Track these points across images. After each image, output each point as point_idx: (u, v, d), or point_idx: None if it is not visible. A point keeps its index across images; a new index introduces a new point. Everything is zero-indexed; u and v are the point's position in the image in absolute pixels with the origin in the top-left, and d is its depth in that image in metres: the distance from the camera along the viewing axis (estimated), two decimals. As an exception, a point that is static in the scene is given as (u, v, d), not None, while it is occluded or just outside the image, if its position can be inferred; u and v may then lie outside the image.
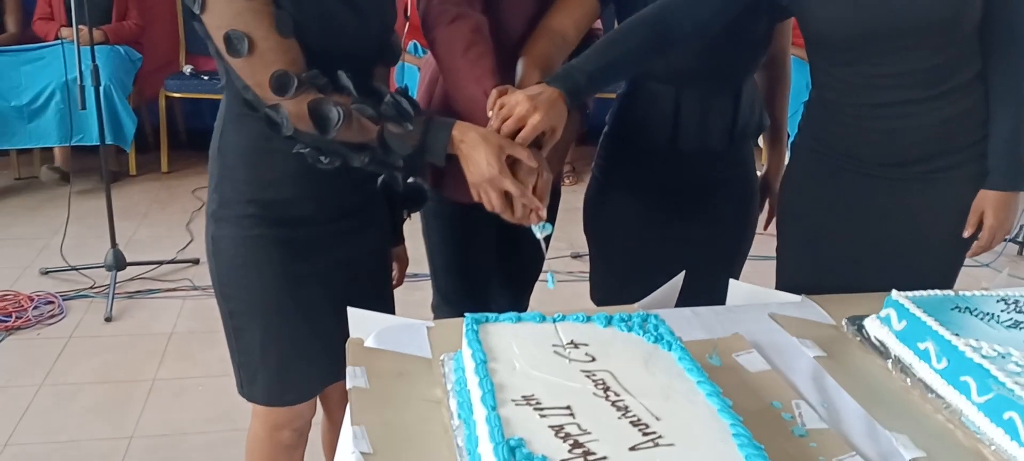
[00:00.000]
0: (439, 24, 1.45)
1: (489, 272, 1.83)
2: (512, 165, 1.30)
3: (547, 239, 1.35)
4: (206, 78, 4.59)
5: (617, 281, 1.81)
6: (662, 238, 1.74)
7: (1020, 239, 3.59)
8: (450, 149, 1.29)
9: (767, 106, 1.80)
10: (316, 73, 1.26)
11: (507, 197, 1.30)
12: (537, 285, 1.98)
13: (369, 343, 1.20)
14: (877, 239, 1.56)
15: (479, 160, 1.27)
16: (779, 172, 1.84)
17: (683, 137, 1.66)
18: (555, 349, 1.06)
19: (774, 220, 1.81)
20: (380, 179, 1.52)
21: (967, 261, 1.59)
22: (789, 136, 1.84)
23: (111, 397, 2.48)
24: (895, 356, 1.20)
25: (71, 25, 3.11)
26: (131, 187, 4.40)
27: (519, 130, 1.30)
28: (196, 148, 4.86)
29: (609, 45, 1.44)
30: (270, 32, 1.24)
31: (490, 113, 1.33)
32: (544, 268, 1.78)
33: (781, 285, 1.62)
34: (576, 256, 3.45)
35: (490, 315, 1.13)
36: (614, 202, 1.79)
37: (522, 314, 1.14)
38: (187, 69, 4.68)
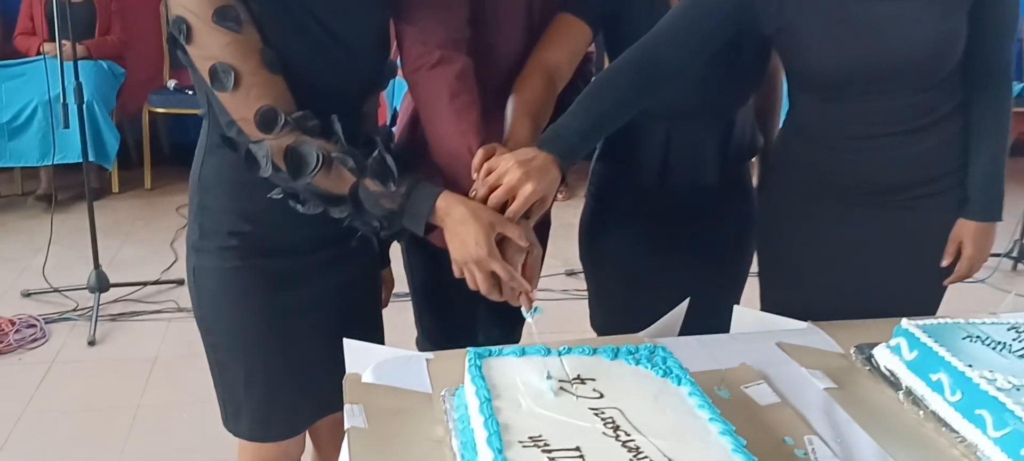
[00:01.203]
0: (421, 67, 1.35)
1: (475, 308, 1.73)
2: (500, 241, 1.20)
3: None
4: (190, 93, 4.52)
5: (618, 308, 1.76)
6: (662, 265, 1.70)
7: (1014, 254, 3.59)
8: (433, 219, 1.21)
9: (759, 124, 1.77)
10: (308, 114, 1.21)
11: (494, 276, 1.20)
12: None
13: (366, 378, 1.16)
14: (858, 266, 1.54)
15: (467, 238, 1.18)
16: None
17: (673, 172, 1.63)
18: (562, 385, 1.02)
19: None
20: None
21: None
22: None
23: (94, 425, 2.41)
24: (907, 387, 1.17)
25: (53, 40, 3.06)
26: (114, 204, 4.34)
27: (508, 200, 1.21)
28: (180, 164, 4.80)
29: (596, 97, 1.36)
30: (258, 67, 1.19)
31: (475, 175, 1.24)
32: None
33: (765, 307, 1.61)
34: (570, 273, 3.42)
35: (493, 349, 1.10)
36: (610, 229, 1.75)
37: (527, 347, 1.10)
38: (171, 84, 4.63)
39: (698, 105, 1.58)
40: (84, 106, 3.01)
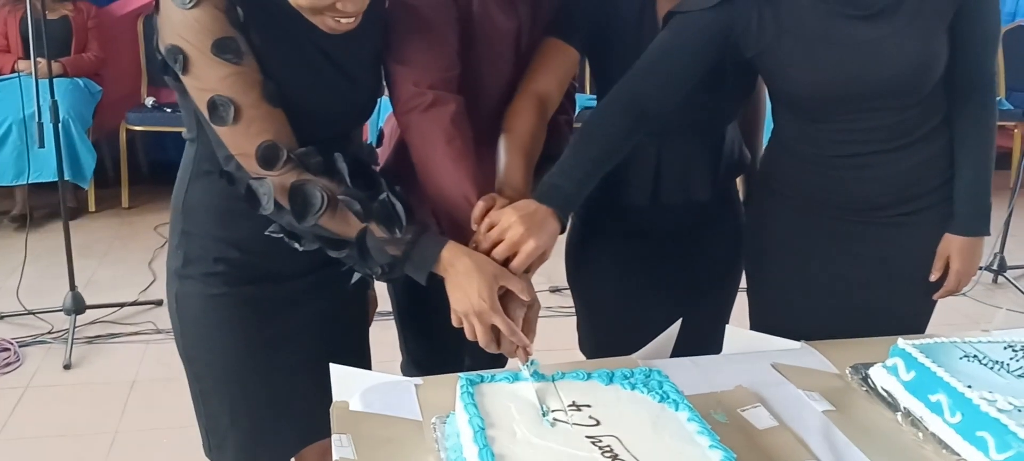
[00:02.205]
0: (414, 109, 1.32)
1: (461, 332, 1.70)
2: (502, 295, 1.19)
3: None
4: (169, 110, 4.47)
5: (607, 332, 1.73)
6: (650, 285, 1.68)
7: (994, 267, 3.61)
8: (436, 269, 1.19)
9: (745, 140, 1.76)
10: (311, 150, 1.18)
11: (494, 329, 1.19)
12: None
13: (355, 406, 1.12)
14: (846, 282, 1.53)
15: (470, 290, 1.16)
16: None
17: (665, 190, 1.61)
18: (556, 412, 0.99)
19: None
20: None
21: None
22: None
23: (71, 452, 2.35)
24: (905, 408, 1.15)
25: (28, 57, 3.00)
26: (91, 224, 4.26)
27: (510, 255, 1.21)
28: (158, 182, 4.73)
29: (588, 142, 1.36)
30: (259, 101, 1.16)
31: (475, 227, 1.24)
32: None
33: (754, 325, 1.59)
34: (555, 290, 3.39)
35: (484, 374, 1.07)
36: (599, 250, 1.71)
37: (519, 373, 1.08)
38: (149, 101, 4.56)
39: (687, 122, 1.56)
40: (60, 124, 2.95)
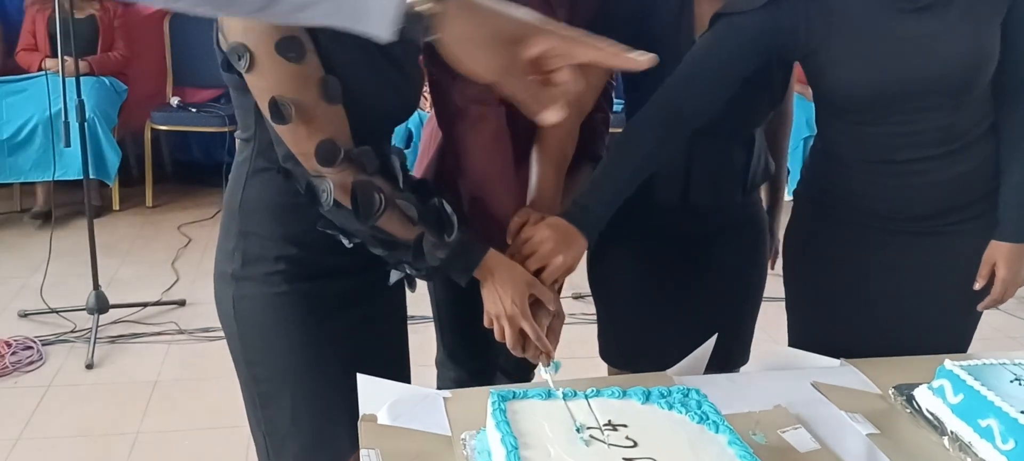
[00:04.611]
0: (462, 119, 1.39)
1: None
2: (532, 303, 1.27)
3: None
4: (194, 110, 4.49)
5: (631, 339, 1.71)
6: (675, 292, 1.65)
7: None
8: (476, 273, 1.26)
9: (770, 147, 1.72)
10: (367, 150, 1.19)
11: (522, 333, 1.27)
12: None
13: (382, 419, 1.10)
14: (889, 294, 1.49)
15: (504, 296, 1.25)
16: (780, 211, 1.83)
17: (694, 191, 1.58)
18: (592, 432, 0.96)
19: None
20: None
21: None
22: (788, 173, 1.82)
23: (92, 452, 2.34)
24: (952, 432, 1.11)
25: (56, 56, 3.00)
26: (115, 222, 4.27)
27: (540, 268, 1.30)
28: (182, 182, 4.75)
29: (623, 157, 1.40)
30: (318, 100, 1.16)
31: (510, 240, 1.33)
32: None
33: (793, 340, 1.57)
34: (578, 297, 3.35)
35: (517, 390, 1.04)
36: (620, 257, 1.68)
37: (552, 390, 1.04)
38: (174, 101, 4.57)
39: (720, 124, 1.51)
40: (85, 123, 2.96)
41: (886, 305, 1.50)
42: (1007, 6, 1.34)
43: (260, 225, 1.28)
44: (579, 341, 3.05)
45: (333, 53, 1.18)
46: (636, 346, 1.70)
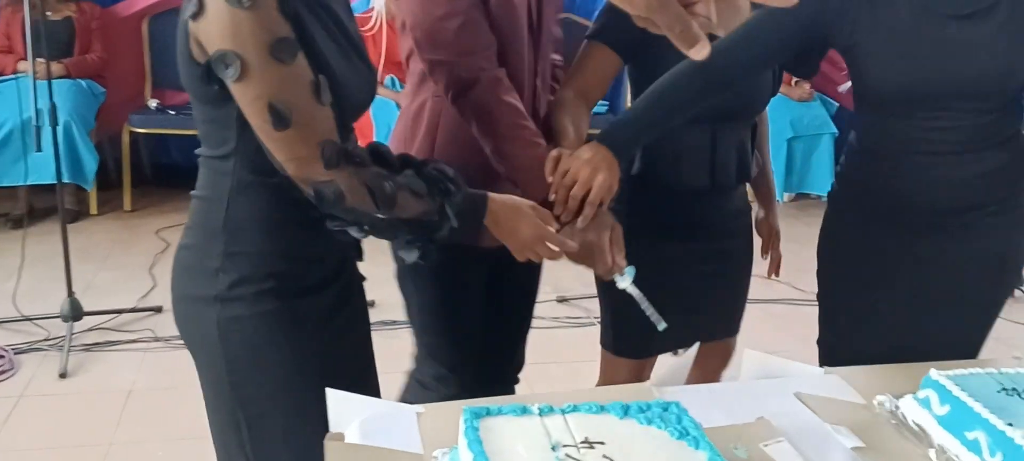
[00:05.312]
0: (475, 85, 1.43)
1: (477, 324, 1.71)
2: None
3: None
4: (173, 113, 4.43)
5: (630, 323, 1.72)
6: (684, 275, 1.69)
7: None
8: (486, 221, 1.31)
9: (759, 142, 1.83)
10: (354, 143, 1.18)
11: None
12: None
13: (351, 437, 1.06)
14: (916, 288, 1.56)
15: (521, 227, 1.32)
16: (774, 210, 1.94)
17: (719, 172, 1.67)
18: (567, 450, 0.92)
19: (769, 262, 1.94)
20: None
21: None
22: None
23: (63, 464, 2.29)
24: (939, 445, 1.08)
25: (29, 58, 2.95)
26: (92, 227, 4.21)
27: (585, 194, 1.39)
28: (161, 185, 4.69)
29: (657, 98, 1.47)
30: (311, 101, 1.12)
31: (549, 177, 1.40)
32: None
33: (826, 338, 1.67)
34: (562, 300, 3.32)
35: (491, 407, 1.00)
36: (643, 247, 1.65)
37: (527, 406, 1.01)
38: (153, 103, 4.52)
39: (739, 106, 1.66)
40: (61, 126, 2.90)
41: (914, 300, 1.56)
42: None
43: (250, 243, 1.22)
44: (564, 345, 3.03)
45: (316, 42, 1.15)
46: (637, 332, 1.70)
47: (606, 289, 1.76)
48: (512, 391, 1.81)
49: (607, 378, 1.79)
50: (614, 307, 1.77)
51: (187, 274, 1.27)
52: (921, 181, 1.50)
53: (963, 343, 1.53)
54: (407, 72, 1.61)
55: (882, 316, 1.57)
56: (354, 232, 1.21)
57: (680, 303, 1.64)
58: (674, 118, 1.49)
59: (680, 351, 1.84)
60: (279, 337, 1.25)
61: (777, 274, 1.92)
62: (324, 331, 1.30)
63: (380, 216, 1.20)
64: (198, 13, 1.08)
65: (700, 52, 0.75)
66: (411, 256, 1.30)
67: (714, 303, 1.78)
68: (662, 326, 1.42)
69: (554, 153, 1.43)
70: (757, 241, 1.90)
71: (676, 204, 1.70)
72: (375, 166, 1.20)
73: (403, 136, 1.60)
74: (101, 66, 4.39)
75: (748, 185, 1.86)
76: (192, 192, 1.26)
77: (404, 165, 1.30)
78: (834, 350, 1.64)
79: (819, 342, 1.69)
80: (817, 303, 1.70)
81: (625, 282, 1.38)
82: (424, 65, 1.47)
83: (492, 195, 1.31)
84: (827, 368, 1.31)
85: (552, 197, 1.40)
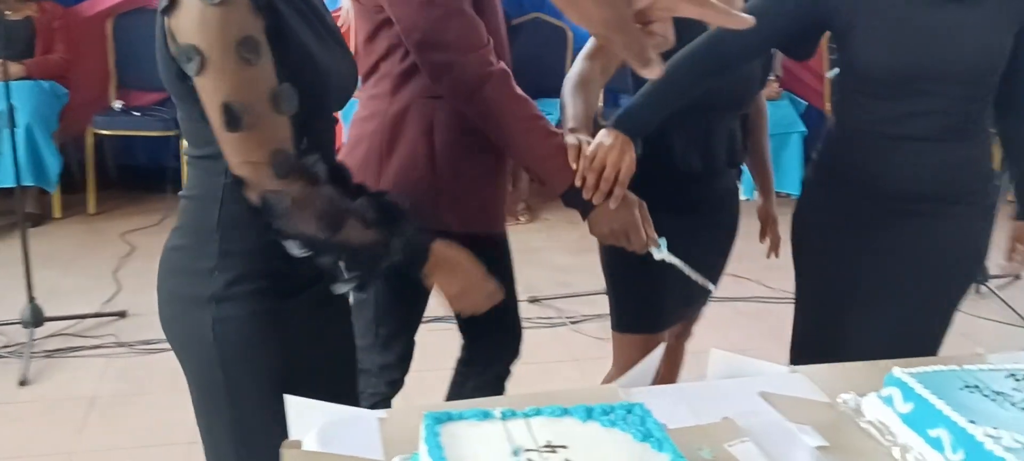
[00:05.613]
0: (487, 82, 1.44)
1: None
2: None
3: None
4: (138, 114, 4.36)
5: (645, 306, 1.87)
6: (681, 249, 1.69)
7: (978, 278, 3.58)
8: (429, 265, 1.28)
9: (755, 135, 1.97)
10: (317, 159, 1.15)
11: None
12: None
13: (309, 444, 1.03)
14: (884, 273, 1.66)
15: (463, 271, 1.31)
16: (772, 197, 2.08)
17: (712, 157, 1.76)
18: (530, 455, 0.91)
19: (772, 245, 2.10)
20: None
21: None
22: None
23: (23, 474, 2.24)
24: (902, 443, 1.08)
25: (-13, 60, 2.88)
26: (55, 230, 4.13)
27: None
28: (127, 188, 4.62)
29: (664, 84, 1.54)
30: (267, 107, 1.11)
31: (575, 164, 1.45)
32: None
33: (801, 325, 1.81)
34: (534, 300, 3.31)
35: (452, 412, 0.98)
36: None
37: (489, 410, 0.99)
38: (117, 104, 4.44)
39: (731, 97, 1.74)
40: (21, 129, 2.84)
41: (885, 282, 1.66)
42: (1023, 21, 1.55)
43: (246, 240, 1.21)
44: (537, 345, 3.02)
45: (297, 32, 1.15)
46: (661, 308, 1.86)
47: (611, 273, 1.88)
48: (517, 354, 1.90)
49: (621, 359, 1.87)
50: (618, 288, 1.87)
51: (178, 275, 1.25)
52: (896, 165, 1.59)
53: (923, 334, 1.67)
54: (375, 73, 1.58)
55: (853, 298, 1.67)
56: (293, 248, 1.17)
57: (677, 273, 1.74)
58: (684, 97, 1.59)
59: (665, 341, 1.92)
60: (273, 336, 1.25)
61: (777, 254, 2.05)
62: (314, 326, 1.30)
63: (321, 237, 1.16)
64: (170, 7, 1.09)
65: (652, 72, 0.75)
66: (341, 288, 1.25)
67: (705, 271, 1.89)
68: (711, 287, 1.55)
69: (573, 141, 1.48)
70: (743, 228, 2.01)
71: (671, 186, 1.76)
72: (330, 185, 1.18)
73: (381, 139, 1.57)
74: (64, 67, 4.31)
75: (751, 175, 2.04)
76: (180, 193, 1.27)
77: (359, 192, 1.27)
78: (807, 338, 1.79)
79: (793, 328, 1.84)
80: (792, 296, 1.79)
81: (662, 252, 1.47)
82: (426, 68, 1.46)
83: (438, 242, 1.29)
84: (792, 367, 1.31)
85: (578, 183, 1.45)
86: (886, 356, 1.60)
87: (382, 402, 1.67)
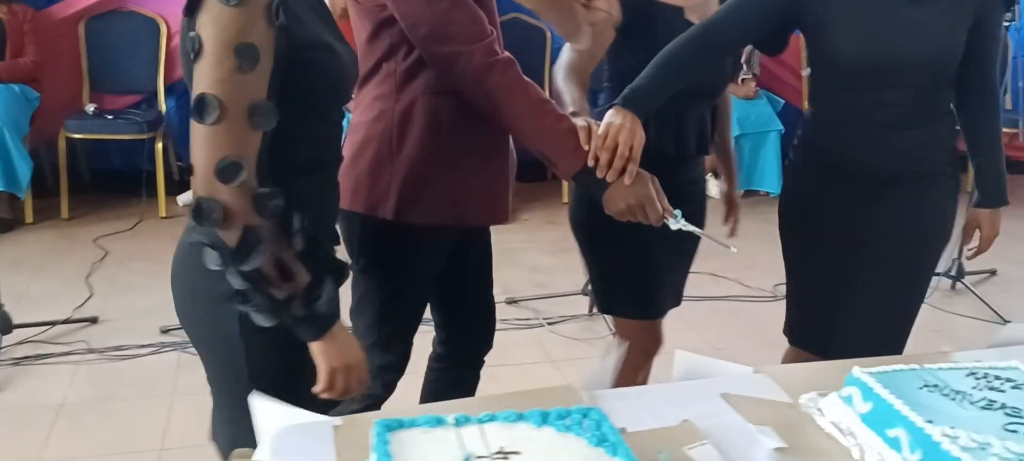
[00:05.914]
0: (494, 70, 1.45)
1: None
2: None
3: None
4: (111, 118, 4.30)
5: (621, 283, 1.95)
6: (670, 239, 1.73)
7: (952, 274, 3.59)
8: (325, 337, 1.24)
9: (720, 124, 2.03)
10: (276, 192, 1.16)
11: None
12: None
13: (262, 453, 1.02)
14: (869, 242, 1.79)
15: (348, 349, 1.27)
16: (735, 184, 2.15)
17: (683, 142, 1.84)
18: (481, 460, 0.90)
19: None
20: None
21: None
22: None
23: (-13, 484, 2.20)
24: (861, 444, 1.07)
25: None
26: (26, 236, 4.07)
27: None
28: (101, 191, 4.56)
29: (663, 64, 1.66)
30: (242, 115, 1.12)
31: (587, 147, 1.48)
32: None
33: (792, 301, 1.97)
34: (511, 302, 3.29)
35: (404, 420, 0.97)
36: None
37: (443, 417, 0.98)
38: (90, 108, 4.37)
39: (700, 88, 1.82)
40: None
41: (863, 257, 1.80)
42: (974, 18, 1.70)
43: None
44: (514, 346, 3.00)
45: (312, 29, 1.19)
46: (652, 291, 1.95)
47: (596, 261, 1.96)
48: (490, 346, 1.89)
49: (627, 337, 1.91)
50: (592, 260, 1.97)
51: (202, 271, 1.22)
52: (869, 150, 1.75)
53: (904, 301, 1.83)
54: (378, 73, 1.57)
55: (840, 270, 1.81)
56: (210, 262, 1.17)
57: (649, 259, 1.87)
58: (682, 80, 1.69)
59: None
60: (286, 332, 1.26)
61: (734, 234, 2.11)
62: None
63: (234, 259, 1.14)
64: (193, 7, 1.15)
65: (583, 41, 0.77)
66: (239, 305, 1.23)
67: (673, 267, 1.97)
68: (733, 250, 1.65)
69: (582, 123, 1.51)
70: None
71: (644, 168, 1.76)
72: (274, 221, 1.16)
73: (390, 138, 1.56)
74: (34, 70, 4.24)
75: (715, 164, 2.12)
76: None
77: (308, 239, 1.23)
78: (799, 313, 1.94)
79: (786, 306, 1.98)
80: (769, 295, 1.88)
81: (679, 222, 1.50)
82: (434, 61, 1.47)
83: (341, 323, 1.27)
84: (756, 368, 1.30)
85: (591, 162, 1.48)
86: (872, 323, 1.83)
87: (375, 404, 1.64)
